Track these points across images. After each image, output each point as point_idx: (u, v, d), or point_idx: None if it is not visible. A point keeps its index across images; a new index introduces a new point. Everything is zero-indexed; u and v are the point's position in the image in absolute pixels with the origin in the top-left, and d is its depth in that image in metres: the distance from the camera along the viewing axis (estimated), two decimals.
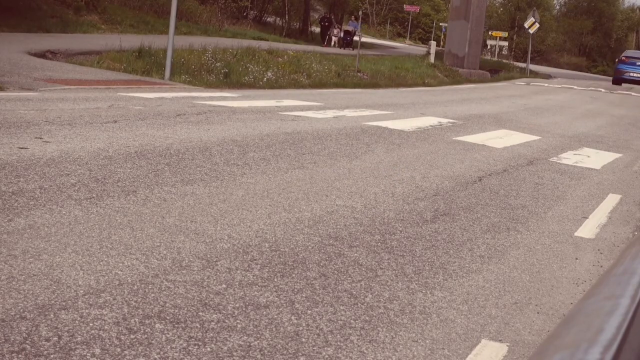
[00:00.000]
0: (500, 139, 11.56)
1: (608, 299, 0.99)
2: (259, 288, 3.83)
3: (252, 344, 3.17)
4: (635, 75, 31.04)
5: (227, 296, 3.66)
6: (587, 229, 6.30)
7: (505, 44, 57.72)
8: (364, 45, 32.75)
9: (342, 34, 38.90)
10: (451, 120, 13.05)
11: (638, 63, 31.59)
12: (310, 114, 11.51)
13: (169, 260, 4.05)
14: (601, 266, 5.20)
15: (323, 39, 39.18)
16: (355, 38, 27.80)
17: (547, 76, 41.51)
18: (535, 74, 40.81)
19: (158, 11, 27.91)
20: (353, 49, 34.46)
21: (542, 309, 4.18)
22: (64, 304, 3.30)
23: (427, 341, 3.51)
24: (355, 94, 17.73)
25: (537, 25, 40.21)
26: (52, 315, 3.17)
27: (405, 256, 4.79)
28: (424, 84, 24.44)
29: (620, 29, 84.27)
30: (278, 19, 43.02)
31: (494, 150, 10.25)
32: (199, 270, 3.96)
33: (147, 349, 3.00)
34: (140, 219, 4.72)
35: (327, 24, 40.09)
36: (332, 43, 38.33)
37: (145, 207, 5.02)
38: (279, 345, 3.20)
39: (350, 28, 38.73)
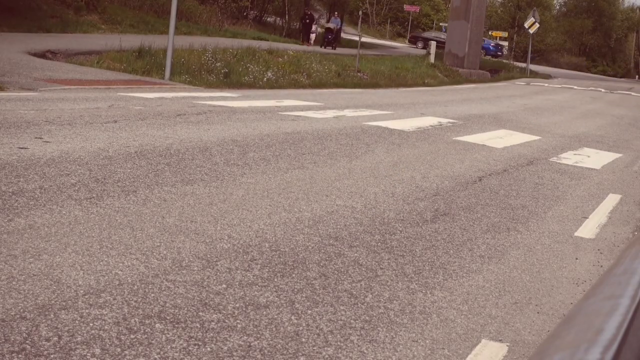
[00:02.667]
0: (501, 139, 11.56)
1: (608, 299, 0.99)
2: (259, 288, 3.83)
3: (252, 344, 3.17)
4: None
5: (227, 296, 3.66)
6: (587, 229, 6.29)
7: (505, 43, 57.74)
8: (364, 45, 32.69)
9: (317, 31, 36.47)
10: (451, 120, 13.05)
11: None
12: (310, 114, 11.51)
13: (169, 260, 4.05)
14: (601, 266, 5.20)
15: (305, 36, 35.99)
16: (355, 38, 27.57)
17: (547, 76, 41.53)
18: (535, 74, 40.82)
19: (158, 11, 27.91)
20: (335, 48, 33.15)
21: (542, 309, 4.18)
22: (64, 304, 3.30)
23: (427, 341, 3.51)
24: (355, 94, 17.73)
25: (537, 25, 40.22)
26: (52, 315, 3.17)
27: (405, 256, 4.78)
28: (424, 84, 24.45)
29: (620, 29, 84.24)
30: (278, 19, 42.99)
31: (494, 150, 10.25)
32: (199, 270, 3.96)
33: (147, 349, 3.00)
34: (140, 219, 4.72)
35: (308, 21, 36.77)
36: (311, 41, 35.40)
37: (146, 207, 5.02)
38: (279, 345, 3.20)
39: (332, 25, 35.80)
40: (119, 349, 2.96)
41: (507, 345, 3.60)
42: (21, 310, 3.18)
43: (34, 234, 4.15)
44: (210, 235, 4.58)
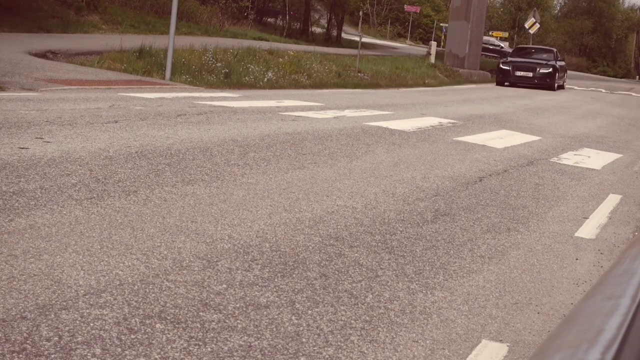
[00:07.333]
0: (501, 139, 11.55)
1: (608, 300, 0.99)
2: (259, 288, 3.83)
3: (252, 344, 3.17)
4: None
5: (228, 296, 3.66)
6: (588, 230, 6.29)
7: (506, 44, 57.74)
8: (365, 46, 32.67)
9: None
10: (451, 121, 13.05)
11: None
12: (310, 114, 11.51)
13: (170, 260, 4.05)
14: (601, 266, 5.20)
15: None
16: (356, 38, 27.45)
17: None
18: None
19: (159, 11, 27.91)
20: None
21: (543, 309, 4.18)
22: (64, 304, 3.30)
23: (428, 341, 3.51)
24: (356, 94, 17.73)
25: (537, 25, 40.22)
26: (52, 315, 3.17)
27: (406, 256, 4.79)
28: (425, 84, 24.44)
29: (621, 29, 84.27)
30: (279, 19, 43.02)
31: (494, 150, 10.25)
32: (200, 270, 3.96)
33: (148, 349, 3.00)
34: (140, 219, 4.72)
35: None
36: None
37: (146, 207, 5.03)
38: (280, 346, 3.20)
39: None
40: (119, 349, 2.96)
41: (507, 346, 3.60)
42: (22, 310, 3.18)
43: (34, 234, 4.16)
44: (211, 236, 4.58)
